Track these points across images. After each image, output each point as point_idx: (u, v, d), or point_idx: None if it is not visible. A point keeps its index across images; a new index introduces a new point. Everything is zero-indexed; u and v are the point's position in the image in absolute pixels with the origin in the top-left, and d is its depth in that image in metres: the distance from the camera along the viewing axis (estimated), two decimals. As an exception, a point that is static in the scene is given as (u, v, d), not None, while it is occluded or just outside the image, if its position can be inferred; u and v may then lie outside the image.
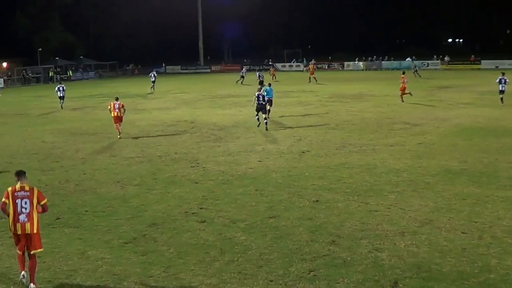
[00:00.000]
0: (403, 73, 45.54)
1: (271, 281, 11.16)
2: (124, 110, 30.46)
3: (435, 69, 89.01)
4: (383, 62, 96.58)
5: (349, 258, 12.08)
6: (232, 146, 26.41)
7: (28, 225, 11.29)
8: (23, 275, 11.22)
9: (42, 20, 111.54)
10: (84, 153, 26.19)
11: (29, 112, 45.90)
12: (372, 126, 30.58)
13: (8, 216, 11.42)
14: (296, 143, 26.46)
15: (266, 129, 30.31)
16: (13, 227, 11.36)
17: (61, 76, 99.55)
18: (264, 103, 31.70)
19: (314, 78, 67.27)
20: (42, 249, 11.63)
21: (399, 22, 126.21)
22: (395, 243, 12.86)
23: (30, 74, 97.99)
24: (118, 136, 29.68)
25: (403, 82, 43.19)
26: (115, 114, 29.90)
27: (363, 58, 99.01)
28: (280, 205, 16.25)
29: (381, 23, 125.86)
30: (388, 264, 11.72)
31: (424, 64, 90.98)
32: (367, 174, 19.75)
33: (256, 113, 31.76)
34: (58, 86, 48.73)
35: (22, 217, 11.26)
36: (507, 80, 38.04)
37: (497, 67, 45.29)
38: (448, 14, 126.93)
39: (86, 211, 16.52)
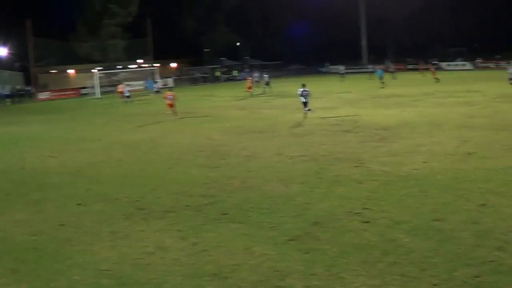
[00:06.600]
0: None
1: (435, 285, 10.92)
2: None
3: None
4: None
5: (517, 265, 11.67)
6: (396, 146, 26.09)
7: (170, 101, 43.90)
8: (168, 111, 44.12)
9: (208, 22, 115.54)
10: (249, 151, 26.89)
11: (196, 110, 47.63)
12: (544, 128, 29.15)
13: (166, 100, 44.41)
14: (462, 144, 25.71)
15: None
16: (167, 101, 44.43)
17: (228, 76, 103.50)
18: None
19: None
20: (174, 108, 44.00)
21: None
22: None
23: (197, 74, 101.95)
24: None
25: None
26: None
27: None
28: (445, 208, 15.86)
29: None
30: (561, 273, 11.21)
31: None
32: (539, 178, 18.88)
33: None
34: (260, 74, 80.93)
35: (169, 98, 44.45)
36: None
37: None
38: None
39: (251, 207, 16.91)
